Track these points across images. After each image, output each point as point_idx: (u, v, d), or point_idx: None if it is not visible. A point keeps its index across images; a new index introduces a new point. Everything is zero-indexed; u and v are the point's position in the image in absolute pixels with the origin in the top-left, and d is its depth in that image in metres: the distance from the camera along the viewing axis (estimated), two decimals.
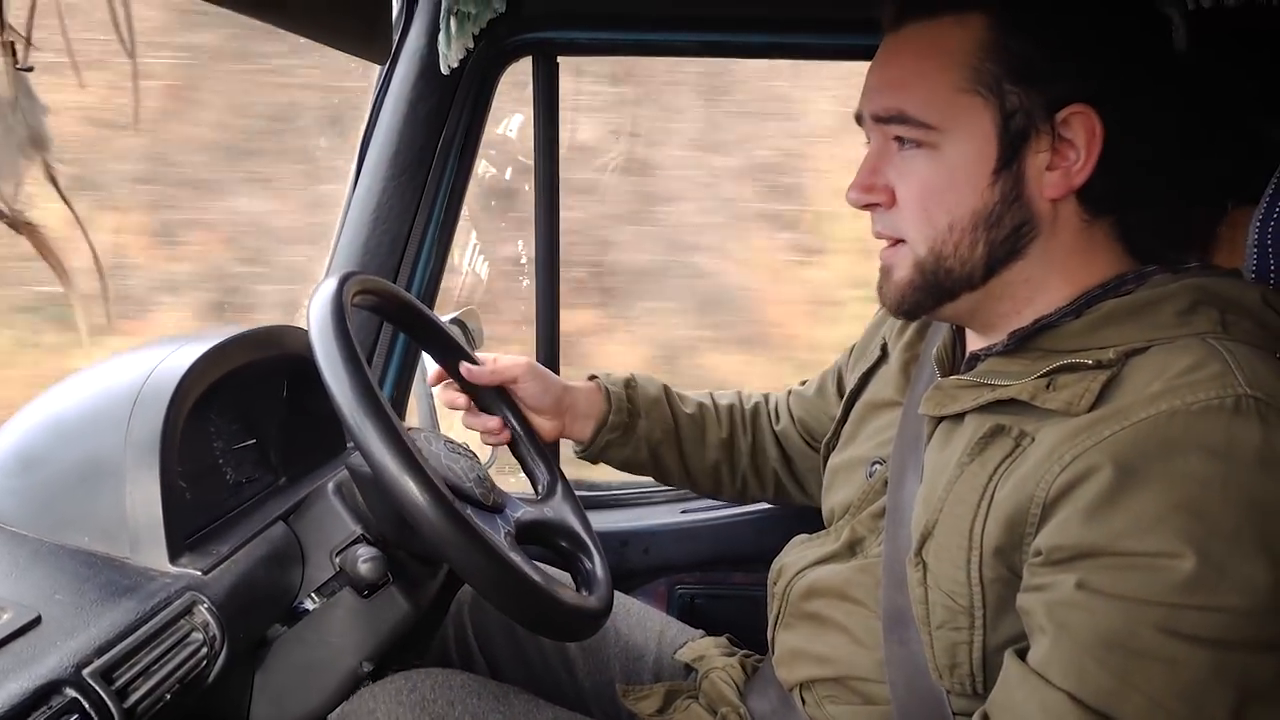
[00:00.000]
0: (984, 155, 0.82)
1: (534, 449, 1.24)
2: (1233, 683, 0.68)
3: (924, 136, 0.83)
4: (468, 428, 1.25)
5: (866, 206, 0.89)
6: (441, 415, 1.45)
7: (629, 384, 1.28)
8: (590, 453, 1.28)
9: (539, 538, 1.11)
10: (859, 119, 0.90)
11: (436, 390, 1.27)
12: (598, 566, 1.11)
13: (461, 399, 1.24)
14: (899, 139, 0.85)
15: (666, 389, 1.31)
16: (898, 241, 0.88)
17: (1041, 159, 0.82)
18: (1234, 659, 0.68)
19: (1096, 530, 0.71)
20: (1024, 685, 0.74)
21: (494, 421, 1.22)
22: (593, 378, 1.30)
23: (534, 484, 1.22)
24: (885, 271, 0.91)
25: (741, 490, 1.35)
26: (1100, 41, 0.81)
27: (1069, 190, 0.82)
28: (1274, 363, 0.75)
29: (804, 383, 1.35)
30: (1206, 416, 0.70)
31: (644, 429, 1.26)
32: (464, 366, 1.20)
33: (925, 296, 0.88)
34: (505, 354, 1.26)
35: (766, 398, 1.38)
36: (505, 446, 1.25)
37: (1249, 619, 0.68)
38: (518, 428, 1.23)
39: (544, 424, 1.24)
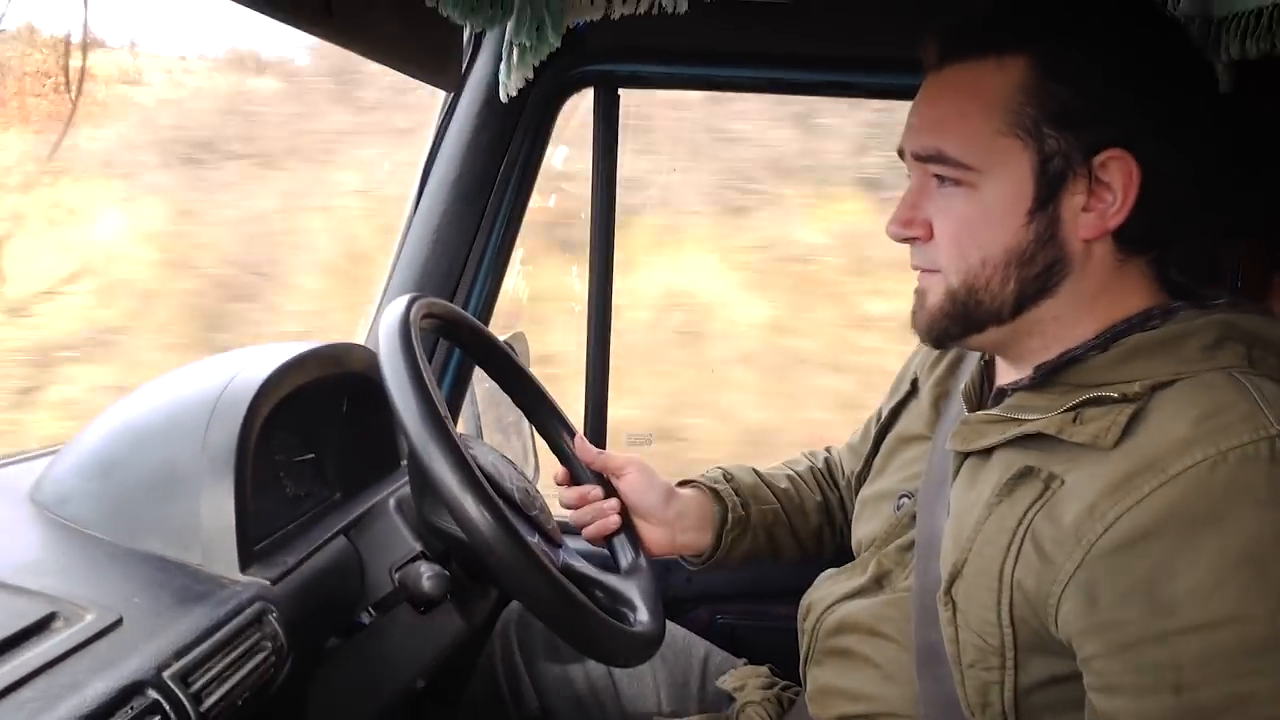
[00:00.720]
0: (1020, 196, 0.83)
1: (629, 538, 1.18)
2: None
3: (962, 176, 0.84)
4: (565, 504, 1.20)
5: (905, 240, 0.90)
6: (486, 427, 1.48)
7: (728, 477, 1.26)
8: (717, 558, 1.23)
9: (585, 591, 1.06)
10: (901, 154, 0.91)
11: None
12: (641, 613, 1.08)
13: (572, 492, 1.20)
14: (939, 176, 0.86)
15: (756, 471, 1.30)
16: (934, 271, 0.89)
17: (1078, 201, 0.82)
18: None
19: (1158, 605, 0.70)
20: None
21: (595, 491, 1.18)
22: (685, 483, 1.26)
23: (616, 563, 1.17)
24: (920, 295, 0.92)
25: (840, 545, 1.33)
26: (1139, 88, 0.81)
27: (1104, 232, 0.83)
28: None
29: (855, 433, 1.36)
30: (1245, 467, 0.70)
31: (757, 516, 1.24)
32: (578, 441, 1.18)
33: (954, 325, 0.89)
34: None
35: (829, 450, 1.38)
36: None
37: None
38: (625, 538, 1.18)
39: (652, 532, 1.19)
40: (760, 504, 1.25)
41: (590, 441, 1.51)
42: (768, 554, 1.28)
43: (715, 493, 1.23)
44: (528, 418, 1.25)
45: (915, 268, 0.91)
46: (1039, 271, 0.84)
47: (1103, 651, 0.73)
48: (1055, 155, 0.81)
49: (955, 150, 0.84)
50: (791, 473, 1.33)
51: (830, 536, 1.32)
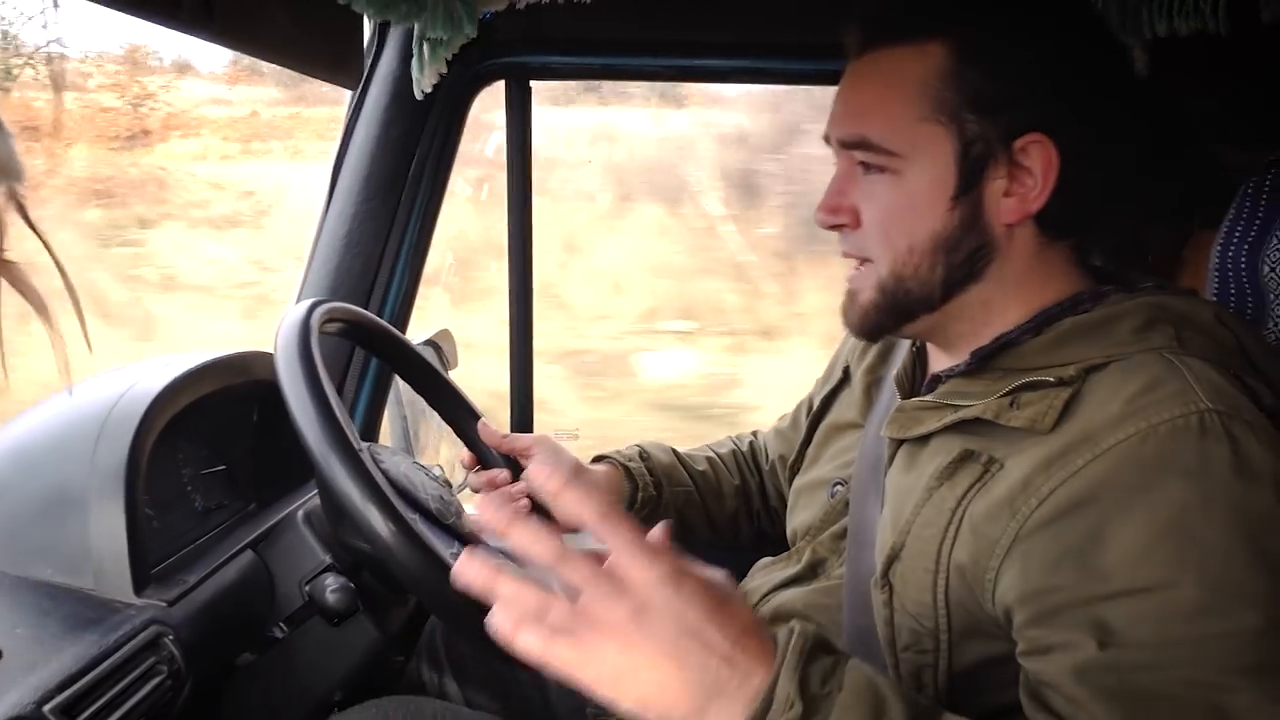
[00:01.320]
0: (944, 182, 0.83)
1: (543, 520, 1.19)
2: (1277, 703, 0.66)
3: (886, 163, 0.84)
4: (474, 488, 1.21)
5: (833, 227, 0.90)
6: (415, 439, 1.45)
7: (643, 456, 1.26)
8: None
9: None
10: (827, 140, 0.91)
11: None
12: None
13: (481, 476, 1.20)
14: (864, 164, 0.86)
15: (675, 452, 1.30)
16: (864, 261, 0.89)
17: (999, 185, 0.83)
18: (1271, 681, 0.67)
19: (1090, 571, 0.71)
20: None
21: (503, 475, 1.19)
22: (599, 459, 1.27)
23: None
24: (851, 295, 0.92)
25: (758, 531, 1.34)
26: (1056, 72, 0.82)
27: (1025, 216, 0.83)
28: (1229, 376, 0.75)
29: (783, 418, 1.36)
30: (1175, 439, 0.70)
31: (669, 497, 1.25)
32: (481, 425, 1.19)
33: (887, 317, 0.89)
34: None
35: (756, 434, 1.38)
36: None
37: (1271, 634, 0.67)
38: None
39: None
40: (674, 485, 1.25)
41: (515, 429, 1.50)
42: (677, 535, 1.27)
43: (628, 470, 1.23)
44: (435, 409, 1.24)
45: (845, 255, 0.91)
46: (965, 257, 0.84)
47: (1033, 617, 0.74)
48: (976, 140, 0.82)
49: (879, 136, 0.84)
50: (713, 455, 1.33)
51: (747, 521, 1.32)
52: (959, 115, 0.82)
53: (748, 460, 1.35)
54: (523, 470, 1.20)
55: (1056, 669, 0.72)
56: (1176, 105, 1.11)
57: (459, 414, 1.23)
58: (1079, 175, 0.82)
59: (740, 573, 1.15)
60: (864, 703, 0.64)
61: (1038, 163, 0.81)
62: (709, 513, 1.28)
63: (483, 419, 1.20)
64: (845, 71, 0.89)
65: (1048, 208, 0.83)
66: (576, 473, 1.21)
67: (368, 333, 1.15)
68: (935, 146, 0.83)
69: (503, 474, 1.19)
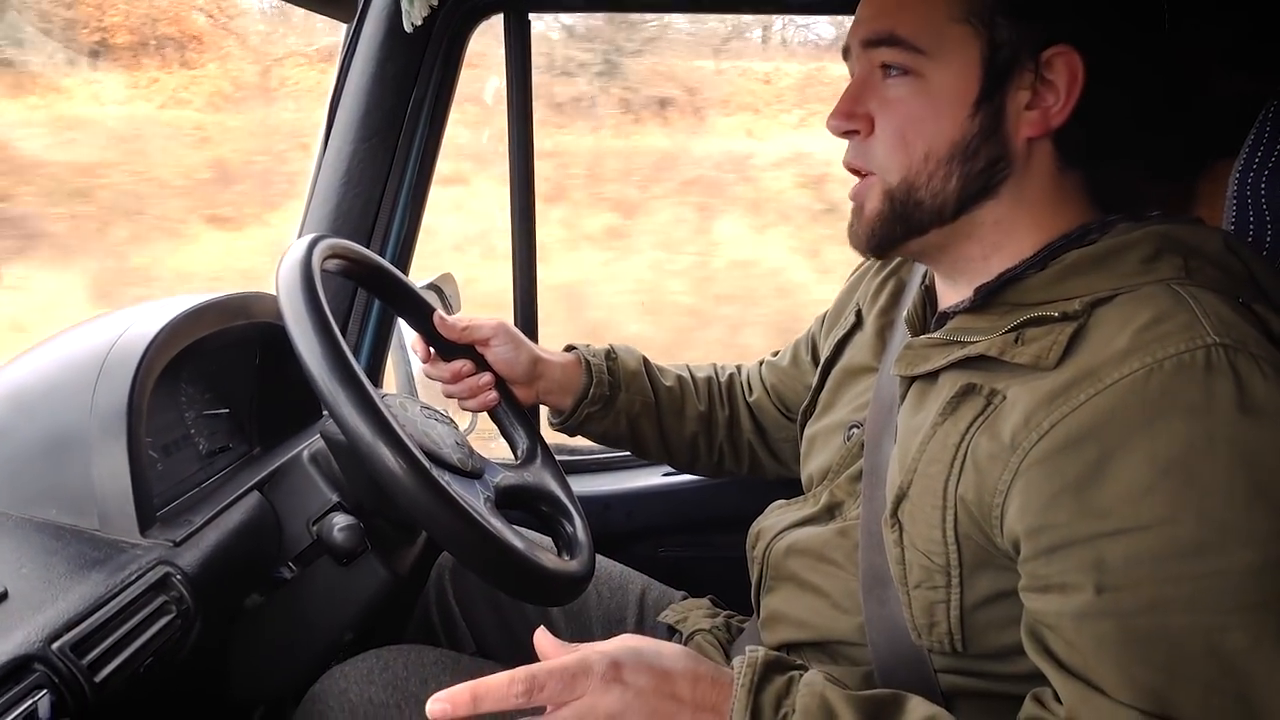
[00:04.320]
0: (967, 85, 0.82)
1: (513, 413, 1.22)
2: (1277, 640, 0.66)
3: (911, 62, 0.83)
4: (432, 379, 1.24)
5: (845, 134, 0.88)
6: (420, 383, 1.44)
7: (609, 355, 1.27)
8: (569, 425, 1.26)
9: (519, 502, 1.10)
10: (845, 53, 0.90)
11: (419, 364, 1.26)
12: (579, 530, 1.10)
13: (444, 370, 1.22)
14: (885, 66, 0.85)
15: (646, 361, 1.30)
16: (868, 174, 0.88)
17: (1022, 96, 0.82)
18: (1269, 619, 0.66)
19: (1089, 508, 0.70)
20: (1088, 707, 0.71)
21: (467, 366, 1.21)
22: (570, 348, 1.28)
23: (513, 449, 1.21)
24: (856, 209, 0.90)
25: (718, 464, 1.35)
26: None
27: (1045, 130, 0.82)
28: (1238, 307, 0.74)
29: (776, 353, 1.35)
30: (1180, 375, 0.69)
31: (624, 402, 1.25)
32: (437, 317, 1.19)
33: (894, 228, 0.87)
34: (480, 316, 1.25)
35: (739, 368, 1.38)
36: (485, 413, 1.24)
37: (1268, 572, 0.66)
38: (510, 412, 1.22)
39: (519, 391, 1.24)
40: (631, 392, 1.26)
41: None
42: (630, 443, 1.30)
43: (588, 364, 1.25)
44: (399, 315, 1.24)
45: (848, 165, 0.90)
46: (982, 167, 0.83)
47: (1034, 553, 0.74)
48: (1004, 45, 0.81)
49: (908, 32, 0.82)
50: (685, 375, 1.33)
51: (706, 449, 1.33)
52: (991, 17, 0.80)
53: (721, 389, 1.34)
54: (484, 361, 1.22)
55: (1056, 611, 0.72)
56: (1195, 36, 1.08)
57: (415, 312, 1.22)
58: (1102, 96, 0.80)
59: (750, 513, 1.15)
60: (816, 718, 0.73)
61: (1062, 76, 0.80)
62: (664, 430, 1.29)
63: (436, 311, 1.20)
64: None
65: (1067, 128, 0.82)
66: (534, 363, 1.23)
67: (368, 271, 1.13)
68: (963, 48, 0.81)
69: (465, 365, 1.21)
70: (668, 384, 1.30)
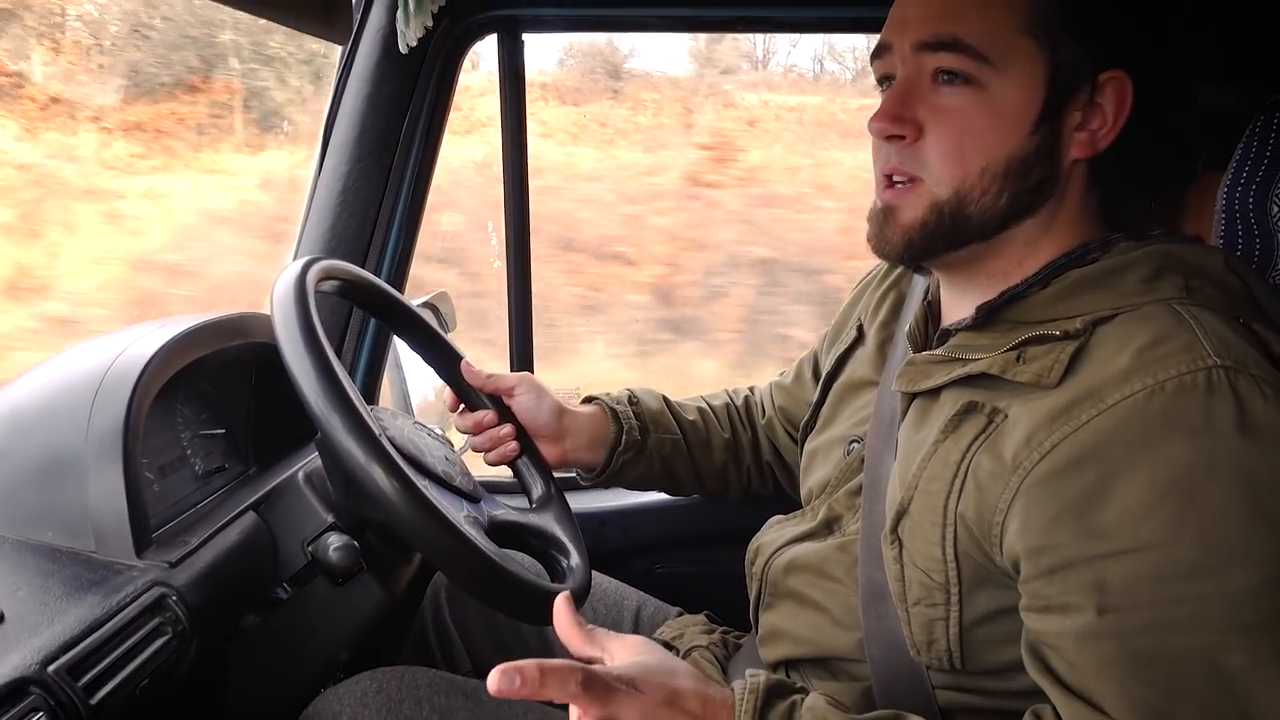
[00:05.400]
0: (1030, 102, 0.80)
1: (532, 464, 1.20)
2: (1276, 660, 0.66)
3: (975, 71, 0.80)
4: (461, 430, 1.22)
5: (890, 138, 0.85)
6: (415, 401, 1.44)
7: (632, 400, 1.26)
8: (605, 477, 1.24)
9: (517, 540, 1.10)
10: (881, 50, 0.87)
11: (414, 382, 1.26)
12: (574, 560, 1.10)
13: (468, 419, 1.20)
14: (942, 72, 0.82)
15: (665, 399, 1.30)
16: (913, 180, 0.85)
17: (1075, 117, 0.81)
18: (1268, 639, 0.67)
19: (1090, 528, 0.70)
20: None
21: (489, 417, 1.19)
22: (589, 400, 1.27)
23: (528, 495, 1.19)
24: (889, 212, 0.86)
25: (747, 486, 1.34)
26: (1148, 11, 0.81)
27: (1092, 153, 0.82)
28: (1238, 327, 0.74)
29: (783, 373, 1.35)
30: (1181, 396, 0.69)
31: (654, 443, 1.24)
32: (464, 365, 1.18)
33: (934, 242, 0.85)
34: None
35: (752, 390, 1.38)
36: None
37: (1267, 592, 0.67)
38: (528, 459, 1.20)
39: (546, 448, 1.22)
40: (660, 432, 1.25)
41: None
42: (664, 482, 1.29)
43: (614, 413, 1.23)
44: (422, 358, 1.24)
45: (891, 171, 0.86)
46: (1032, 186, 0.82)
47: (1035, 573, 0.74)
48: (1067, 64, 0.80)
49: (974, 38, 0.80)
50: (704, 405, 1.33)
51: (736, 474, 1.32)
52: (1055, 34, 0.79)
53: (740, 414, 1.34)
54: (508, 411, 1.21)
55: (1057, 631, 0.73)
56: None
57: (441, 358, 1.22)
58: (1143, 122, 0.80)
59: (747, 529, 1.16)
60: None
61: (1111, 101, 0.80)
62: (695, 463, 1.29)
63: (465, 359, 1.20)
64: None
65: (1106, 152, 0.81)
66: (559, 414, 1.22)
67: (364, 291, 1.14)
68: (1028, 62, 0.80)
69: (489, 415, 1.20)
70: (691, 418, 1.29)
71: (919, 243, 0.85)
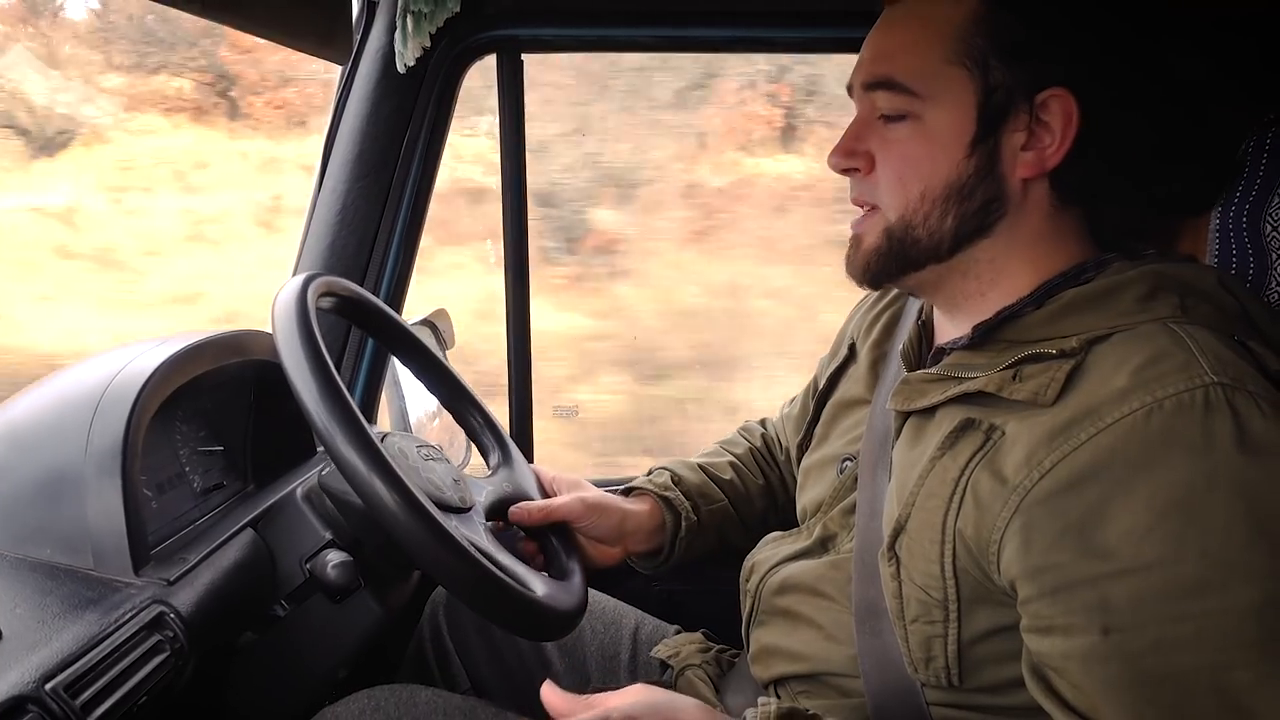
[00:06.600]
0: (963, 127, 0.83)
1: (561, 546, 1.18)
2: (1278, 678, 0.66)
3: (908, 105, 0.84)
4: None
5: (845, 171, 0.90)
6: (413, 419, 1.45)
7: (676, 481, 1.25)
8: (670, 563, 1.24)
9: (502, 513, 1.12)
10: (850, 90, 0.92)
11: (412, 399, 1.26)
12: (562, 553, 1.11)
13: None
14: (885, 116, 0.87)
15: (701, 467, 1.29)
16: (872, 209, 0.89)
17: (1018, 138, 0.83)
18: (1271, 656, 0.67)
19: (1092, 548, 0.70)
20: None
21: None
22: (630, 490, 1.26)
23: (550, 566, 1.17)
24: (855, 241, 0.92)
25: (785, 522, 1.34)
26: (1087, 29, 0.82)
27: (1041, 171, 0.83)
28: (1234, 345, 0.75)
29: (792, 401, 1.35)
30: (1180, 415, 0.70)
31: (706, 518, 1.24)
32: (514, 511, 1.15)
33: (891, 264, 0.89)
34: (555, 475, 1.24)
35: (765, 424, 1.38)
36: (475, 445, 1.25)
37: (1269, 609, 0.67)
38: (559, 545, 1.18)
39: (605, 552, 1.21)
40: (710, 504, 1.25)
41: (514, 411, 1.49)
42: (718, 548, 1.28)
43: (666, 501, 1.23)
44: (429, 389, 1.24)
45: (855, 201, 0.92)
46: (977, 207, 0.85)
47: (1036, 594, 0.74)
48: (999, 88, 0.82)
49: (904, 76, 0.84)
50: (734, 459, 1.32)
51: (774, 516, 1.32)
52: (985, 61, 0.82)
53: (764, 456, 1.34)
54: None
55: (1062, 653, 0.73)
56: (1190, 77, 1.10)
57: (453, 395, 1.23)
58: (1096, 137, 0.82)
59: (744, 547, 1.16)
60: None
61: (1058, 118, 0.81)
62: (743, 520, 1.28)
63: (514, 506, 1.16)
64: (880, 17, 0.89)
65: (1063, 168, 0.83)
66: (620, 521, 1.19)
67: (362, 310, 1.14)
68: (957, 90, 0.83)
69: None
70: (728, 478, 1.29)
71: (875, 265, 0.90)
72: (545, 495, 1.21)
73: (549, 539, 1.17)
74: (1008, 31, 0.82)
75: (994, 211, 0.85)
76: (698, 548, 1.24)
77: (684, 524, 1.22)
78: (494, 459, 1.22)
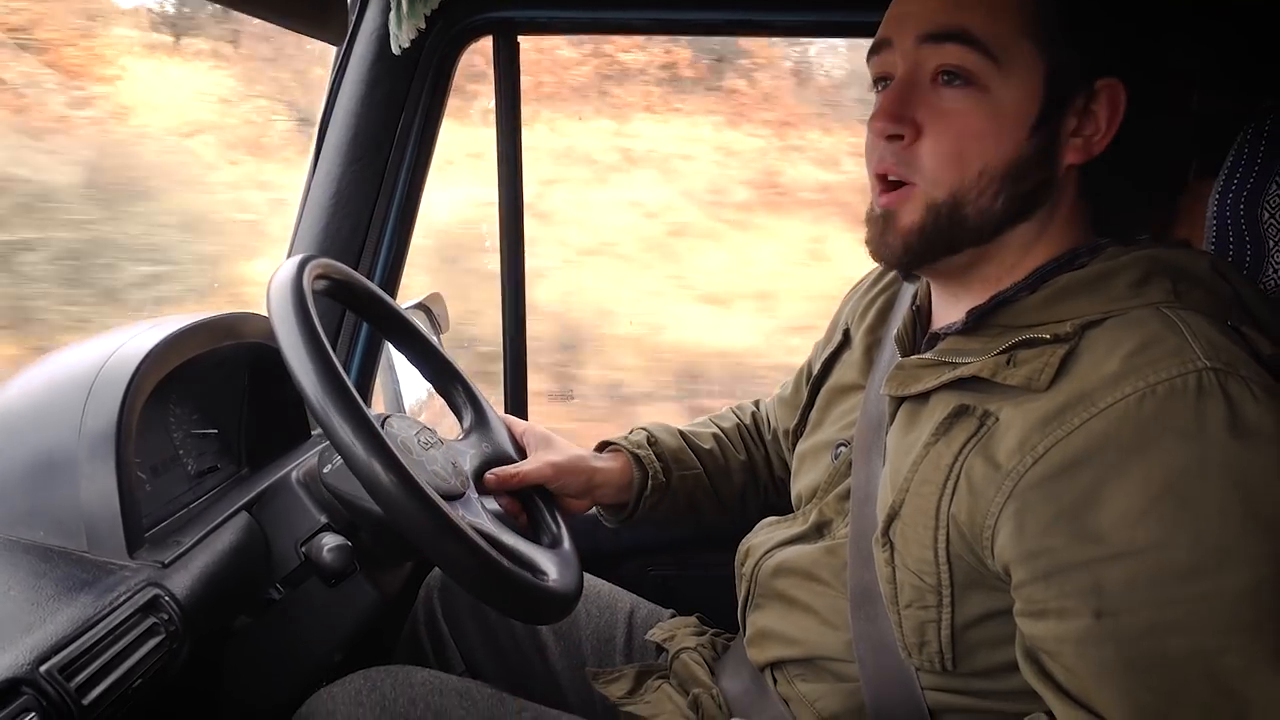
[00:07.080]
0: (1029, 105, 0.81)
1: (545, 506, 1.20)
2: (1272, 660, 0.67)
3: (980, 69, 0.80)
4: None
5: (890, 138, 0.84)
6: (408, 403, 1.44)
7: (651, 441, 1.26)
8: (634, 519, 1.26)
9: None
10: (879, 47, 0.86)
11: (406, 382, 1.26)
12: (551, 520, 1.12)
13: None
14: (944, 72, 0.82)
15: (681, 433, 1.30)
16: (903, 184, 0.84)
17: (1071, 123, 0.82)
18: (1264, 639, 0.67)
19: (1085, 532, 0.71)
20: None
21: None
22: (605, 445, 1.27)
23: (537, 533, 1.19)
24: (886, 219, 0.86)
25: (764, 502, 1.34)
26: (1146, 18, 0.82)
27: (1086, 158, 0.83)
28: (1226, 330, 0.75)
29: (784, 385, 1.35)
30: (1173, 400, 0.70)
31: (678, 481, 1.25)
32: (488, 479, 1.16)
33: (932, 245, 0.85)
34: (525, 429, 1.24)
35: (758, 404, 1.38)
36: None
37: (1262, 593, 0.67)
38: (542, 505, 1.20)
39: (573, 504, 1.23)
40: (682, 469, 1.26)
41: (509, 397, 1.49)
42: (687, 515, 1.29)
43: (637, 458, 1.24)
44: (423, 375, 1.24)
45: (884, 172, 0.85)
46: (1028, 190, 0.83)
47: (1029, 578, 0.74)
48: (1064, 68, 0.80)
49: (983, 33, 0.80)
50: (717, 430, 1.32)
51: (754, 494, 1.33)
52: (1056, 38, 0.80)
53: (752, 433, 1.34)
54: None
55: (1055, 636, 0.73)
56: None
57: (446, 381, 1.23)
58: (1136, 130, 0.81)
59: (739, 532, 1.16)
60: None
61: (1104, 107, 0.81)
62: (717, 492, 1.29)
63: (489, 473, 1.17)
64: None
65: (1099, 158, 0.82)
66: (590, 476, 1.21)
67: (355, 293, 1.14)
68: (1028, 65, 0.81)
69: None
70: (708, 447, 1.29)
71: (918, 246, 0.85)
72: (519, 449, 1.22)
73: (531, 498, 1.19)
74: (1080, 12, 0.80)
75: (1040, 196, 0.83)
76: (664, 509, 1.25)
77: (650, 483, 1.23)
78: (468, 419, 1.22)
